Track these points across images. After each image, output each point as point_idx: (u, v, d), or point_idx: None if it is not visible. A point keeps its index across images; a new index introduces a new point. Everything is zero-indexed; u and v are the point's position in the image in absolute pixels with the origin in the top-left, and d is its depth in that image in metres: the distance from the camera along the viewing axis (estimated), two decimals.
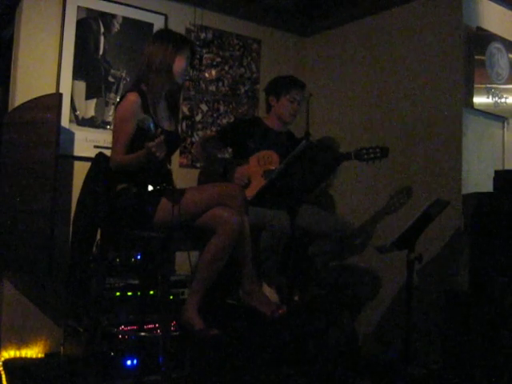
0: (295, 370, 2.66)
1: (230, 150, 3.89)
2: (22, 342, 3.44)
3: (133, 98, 2.74)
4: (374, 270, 3.66)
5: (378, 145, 3.30)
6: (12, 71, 3.60)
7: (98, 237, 2.90)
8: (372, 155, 3.27)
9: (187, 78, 3.96)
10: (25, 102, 3.36)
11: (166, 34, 2.88)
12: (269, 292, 3.14)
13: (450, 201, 3.12)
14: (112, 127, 3.26)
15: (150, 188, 2.74)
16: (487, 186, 3.34)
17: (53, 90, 3.52)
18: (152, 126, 2.51)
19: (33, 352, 3.45)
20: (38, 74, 3.53)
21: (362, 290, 3.53)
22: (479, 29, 3.62)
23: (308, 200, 3.39)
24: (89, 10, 3.69)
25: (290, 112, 3.55)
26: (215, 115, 4.24)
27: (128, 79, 3.81)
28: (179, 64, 2.81)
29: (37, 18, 3.53)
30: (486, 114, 3.67)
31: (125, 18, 3.83)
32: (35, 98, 3.35)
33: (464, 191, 3.44)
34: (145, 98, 2.77)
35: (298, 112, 3.59)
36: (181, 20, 4.06)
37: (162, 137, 2.51)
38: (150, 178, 2.76)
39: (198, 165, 4.03)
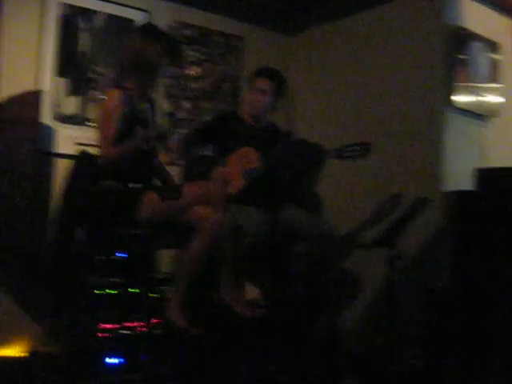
0: (278, 369, 2.67)
1: (211, 147, 3.85)
2: (3, 341, 3.40)
3: (116, 94, 2.74)
4: (356, 269, 3.67)
5: (362, 142, 3.24)
6: None
7: (81, 234, 2.88)
8: (355, 153, 3.23)
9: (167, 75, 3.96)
10: (5, 99, 3.33)
11: (155, 32, 2.88)
12: (251, 290, 3.14)
13: (431, 199, 3.14)
14: (96, 124, 3.23)
15: (134, 185, 2.75)
16: (468, 185, 3.38)
17: (33, 87, 3.49)
18: (140, 117, 2.54)
19: (14, 351, 3.42)
20: (17, 70, 3.49)
21: (343, 288, 3.54)
22: (460, 28, 3.65)
23: (293, 201, 3.37)
24: (70, 6, 3.65)
25: (249, 101, 3.38)
26: (198, 112, 4.23)
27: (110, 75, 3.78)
28: (163, 65, 2.86)
29: (17, 14, 3.49)
30: (466, 112, 3.70)
31: (107, 15, 3.80)
32: (15, 95, 3.33)
33: (445, 189, 3.47)
34: (127, 94, 2.77)
35: (262, 103, 3.37)
36: (164, 17, 4.03)
37: (154, 128, 2.53)
38: (134, 175, 2.77)
39: (180, 163, 4.01)
